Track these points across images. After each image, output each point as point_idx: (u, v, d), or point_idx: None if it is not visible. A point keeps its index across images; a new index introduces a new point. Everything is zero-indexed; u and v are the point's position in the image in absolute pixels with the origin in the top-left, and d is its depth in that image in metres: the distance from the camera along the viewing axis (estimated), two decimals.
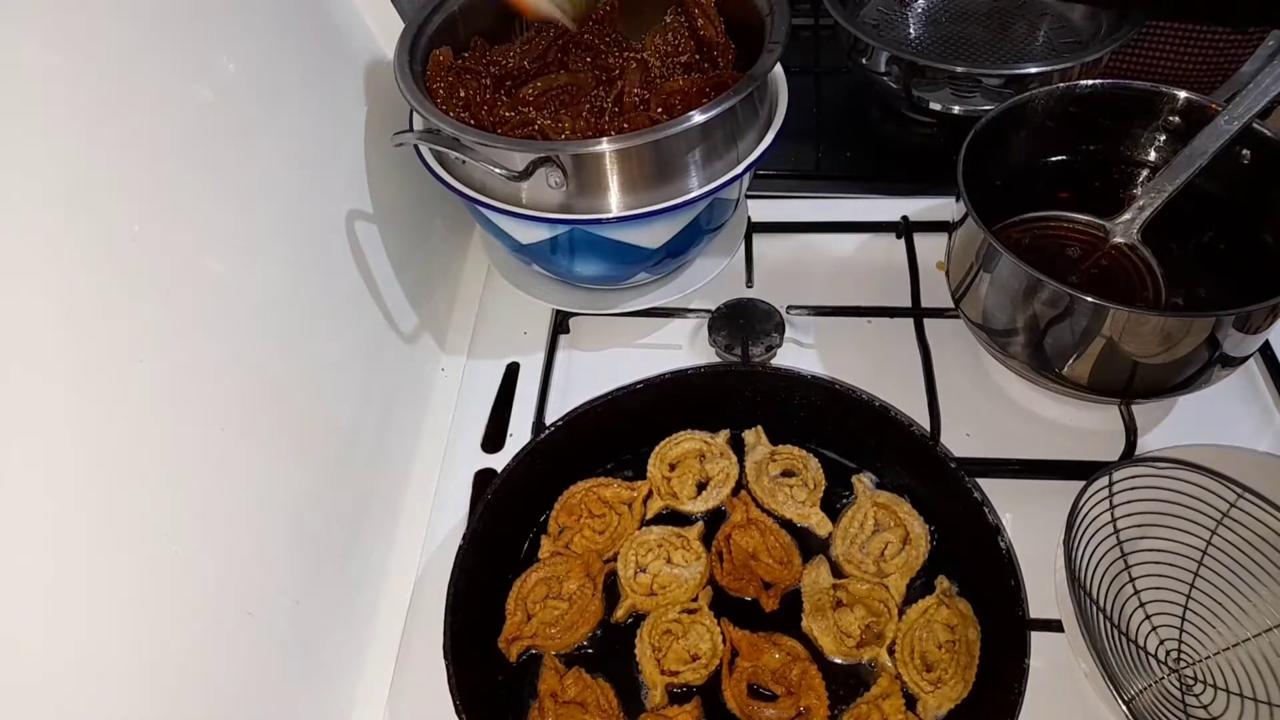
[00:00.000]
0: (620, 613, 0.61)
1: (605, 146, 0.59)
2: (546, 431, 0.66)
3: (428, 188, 0.70)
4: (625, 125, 0.65)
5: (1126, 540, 0.61)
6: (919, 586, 0.62)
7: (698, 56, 0.71)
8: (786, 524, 0.66)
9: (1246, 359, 0.67)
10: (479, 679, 0.57)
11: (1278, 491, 0.61)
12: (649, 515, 0.67)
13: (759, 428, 0.70)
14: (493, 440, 0.75)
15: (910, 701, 0.56)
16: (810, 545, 0.65)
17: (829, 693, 0.57)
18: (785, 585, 0.62)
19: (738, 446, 0.70)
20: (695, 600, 0.61)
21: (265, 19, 0.58)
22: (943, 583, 0.61)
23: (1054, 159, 0.77)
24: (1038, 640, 0.55)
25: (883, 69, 0.88)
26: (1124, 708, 0.51)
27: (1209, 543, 0.60)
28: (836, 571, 0.63)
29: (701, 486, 0.68)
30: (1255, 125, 0.66)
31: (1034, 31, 0.96)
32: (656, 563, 0.63)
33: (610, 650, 0.61)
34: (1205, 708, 0.56)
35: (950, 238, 0.72)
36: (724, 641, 0.59)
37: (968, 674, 0.56)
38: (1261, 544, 0.60)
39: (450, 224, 0.87)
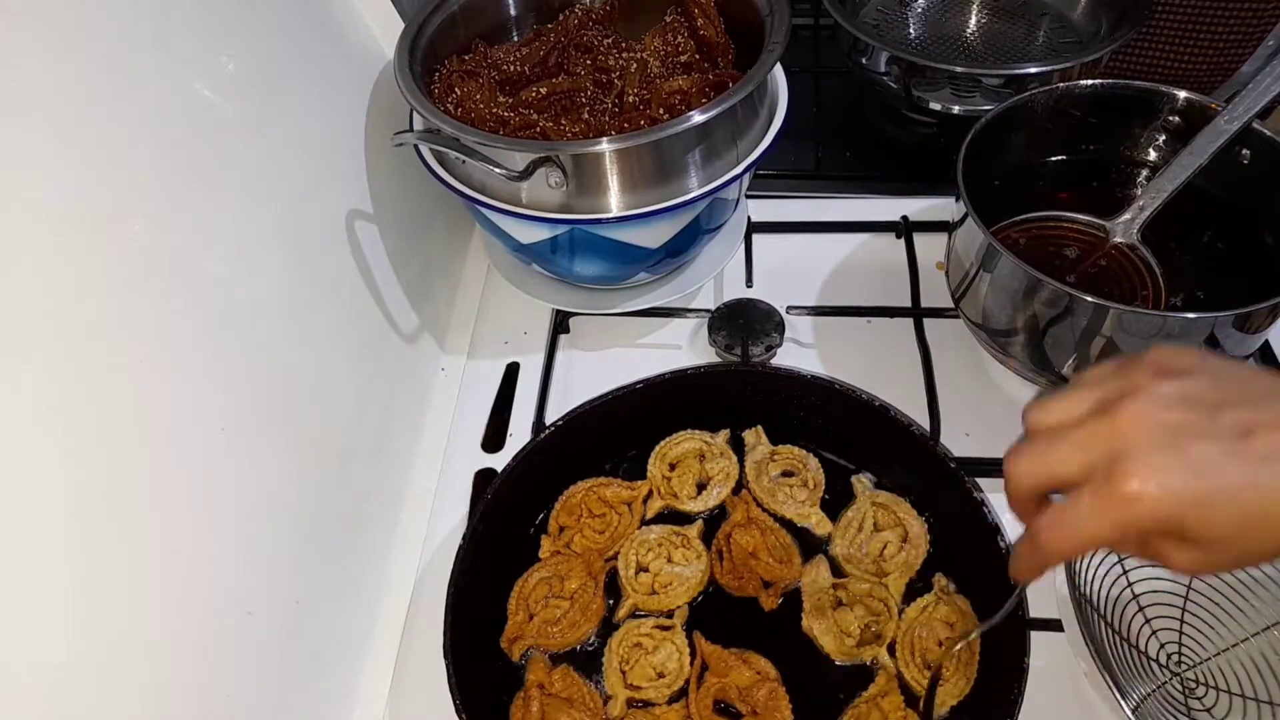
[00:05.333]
0: (622, 612, 0.61)
1: (605, 146, 0.59)
2: (546, 431, 0.66)
3: (428, 188, 0.70)
4: (625, 125, 0.65)
5: None
6: (919, 588, 0.62)
7: (698, 56, 0.71)
8: (786, 523, 0.66)
9: (1246, 359, 0.67)
10: (479, 679, 0.57)
11: None
12: (649, 515, 0.67)
13: (759, 427, 0.70)
14: (493, 440, 0.75)
15: (912, 699, 0.57)
16: (810, 545, 0.65)
17: (827, 692, 0.57)
18: (785, 584, 0.62)
19: (738, 446, 0.70)
20: (671, 616, 0.61)
21: (265, 19, 0.58)
22: (940, 580, 0.61)
23: (1054, 159, 0.77)
24: (1037, 640, 0.55)
25: (883, 69, 0.89)
26: (1129, 714, 0.51)
27: None
28: (836, 571, 0.63)
29: (701, 486, 0.68)
30: (1255, 125, 0.67)
31: (1034, 31, 0.96)
32: (657, 561, 0.63)
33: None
34: (1208, 710, 0.56)
35: (950, 238, 0.72)
36: (693, 655, 0.59)
37: (969, 670, 0.56)
38: None
39: (450, 224, 0.87)
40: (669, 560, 0.63)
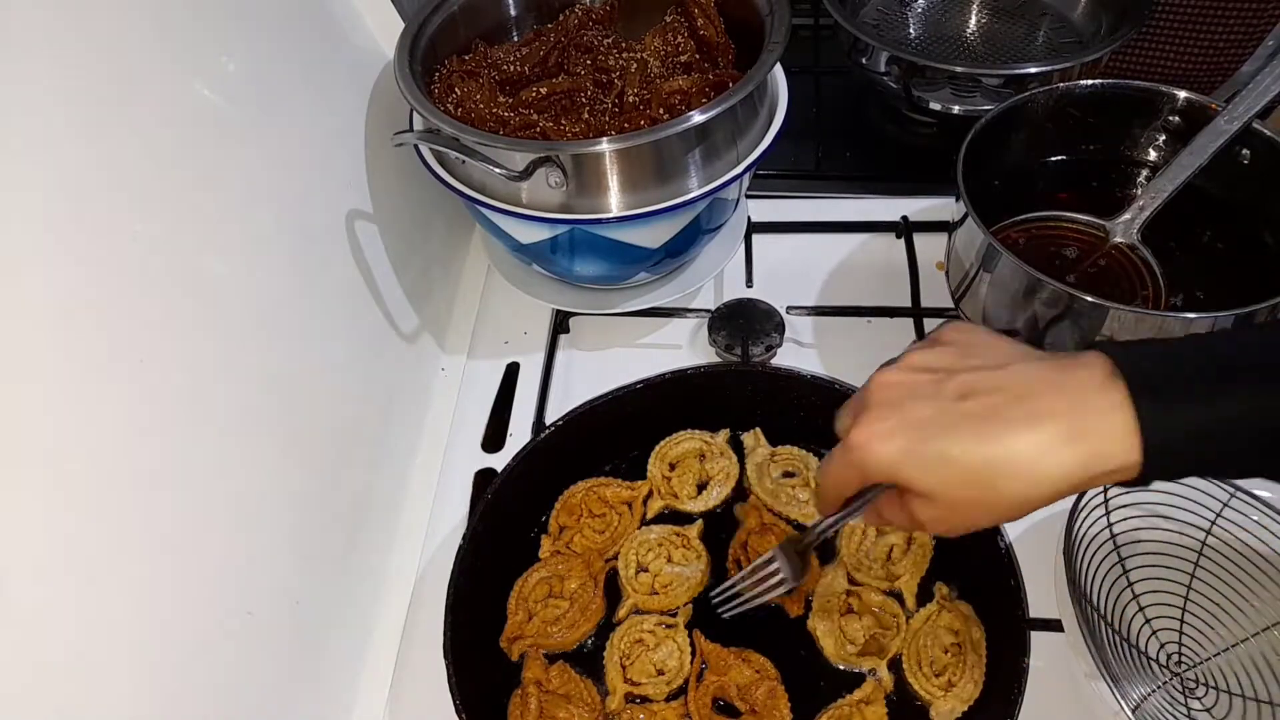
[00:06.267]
0: (623, 612, 0.61)
1: (605, 146, 0.59)
2: (546, 431, 0.66)
3: (428, 188, 0.70)
4: (625, 125, 0.65)
5: (1123, 545, 0.61)
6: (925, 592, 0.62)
7: (698, 56, 0.71)
8: (791, 524, 0.65)
9: None
10: (479, 679, 0.57)
11: (1273, 490, 0.61)
12: (649, 515, 0.67)
13: (757, 430, 0.70)
14: (493, 440, 0.75)
15: (898, 713, 0.56)
16: (816, 546, 0.64)
17: (826, 693, 0.57)
18: (807, 588, 0.62)
19: (737, 447, 0.70)
20: (675, 615, 0.61)
21: (265, 19, 0.58)
22: (941, 589, 0.60)
23: (1054, 159, 0.77)
24: (1037, 640, 0.54)
25: (883, 69, 0.89)
26: (1129, 714, 0.51)
27: (1203, 544, 0.60)
28: (851, 580, 0.62)
29: (701, 486, 0.68)
30: (1255, 125, 0.67)
31: (1034, 31, 0.96)
32: (657, 561, 0.63)
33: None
34: (1208, 710, 0.56)
35: (950, 238, 0.72)
36: (693, 653, 0.59)
37: (976, 674, 0.56)
38: (1256, 542, 0.60)
39: (450, 224, 0.87)
40: (669, 560, 0.63)
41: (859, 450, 0.40)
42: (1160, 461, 0.36)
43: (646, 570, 0.63)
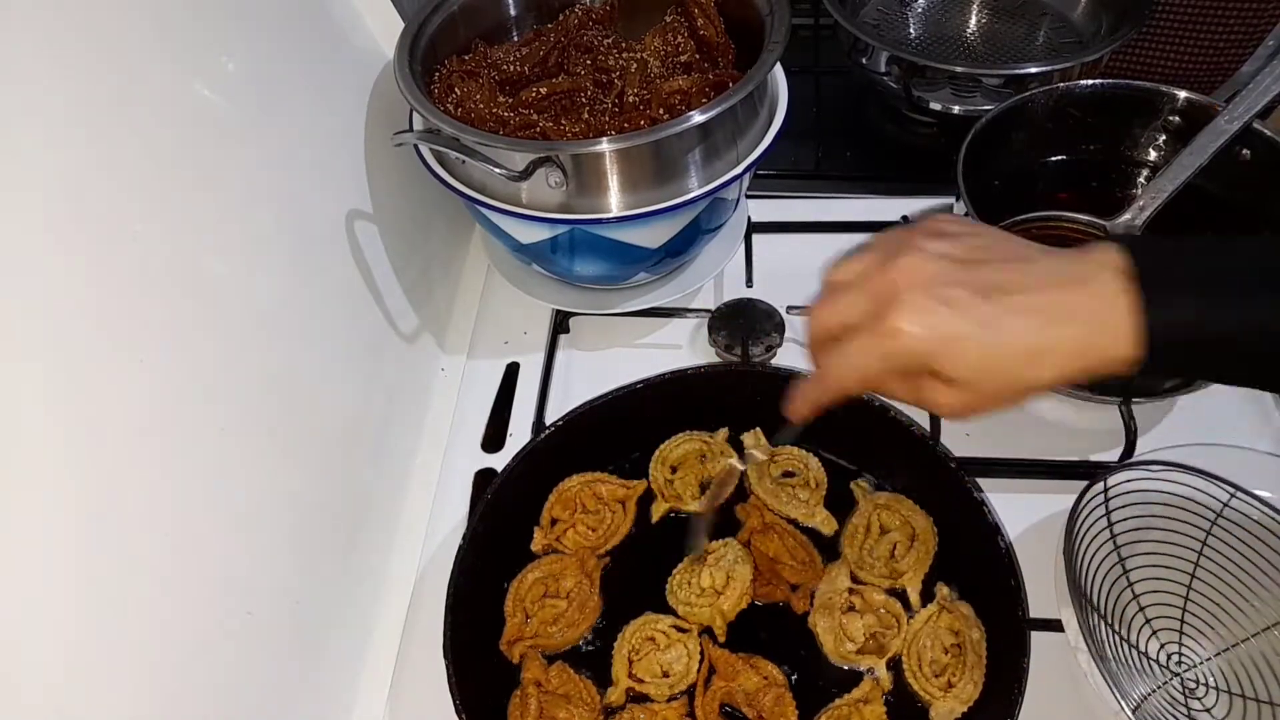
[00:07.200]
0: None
1: (605, 146, 0.59)
2: (546, 431, 0.66)
3: (428, 188, 0.70)
4: (625, 125, 0.65)
5: (1124, 545, 0.61)
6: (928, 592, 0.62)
7: (698, 56, 0.71)
8: (793, 524, 0.65)
9: None
10: (479, 679, 0.57)
11: (1274, 490, 0.61)
12: (655, 518, 0.67)
13: (757, 430, 0.70)
14: (493, 440, 0.75)
15: (920, 712, 0.56)
16: (820, 545, 0.65)
17: (823, 696, 0.57)
18: (812, 585, 0.62)
19: (738, 446, 0.70)
20: (688, 620, 0.61)
21: (265, 19, 0.58)
22: (941, 590, 0.60)
23: (1054, 159, 0.77)
24: (1037, 640, 0.55)
25: (883, 69, 0.89)
26: (1129, 715, 0.51)
27: (1204, 544, 0.60)
28: (855, 579, 0.62)
29: (704, 486, 0.68)
30: (1255, 125, 0.67)
31: (1034, 31, 0.96)
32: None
33: (608, 649, 0.61)
34: (1208, 711, 0.56)
35: None
36: (701, 658, 0.59)
37: (975, 674, 0.56)
38: (1256, 542, 0.60)
39: (450, 224, 0.87)
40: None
41: (901, 337, 0.40)
42: (1157, 360, 0.38)
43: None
